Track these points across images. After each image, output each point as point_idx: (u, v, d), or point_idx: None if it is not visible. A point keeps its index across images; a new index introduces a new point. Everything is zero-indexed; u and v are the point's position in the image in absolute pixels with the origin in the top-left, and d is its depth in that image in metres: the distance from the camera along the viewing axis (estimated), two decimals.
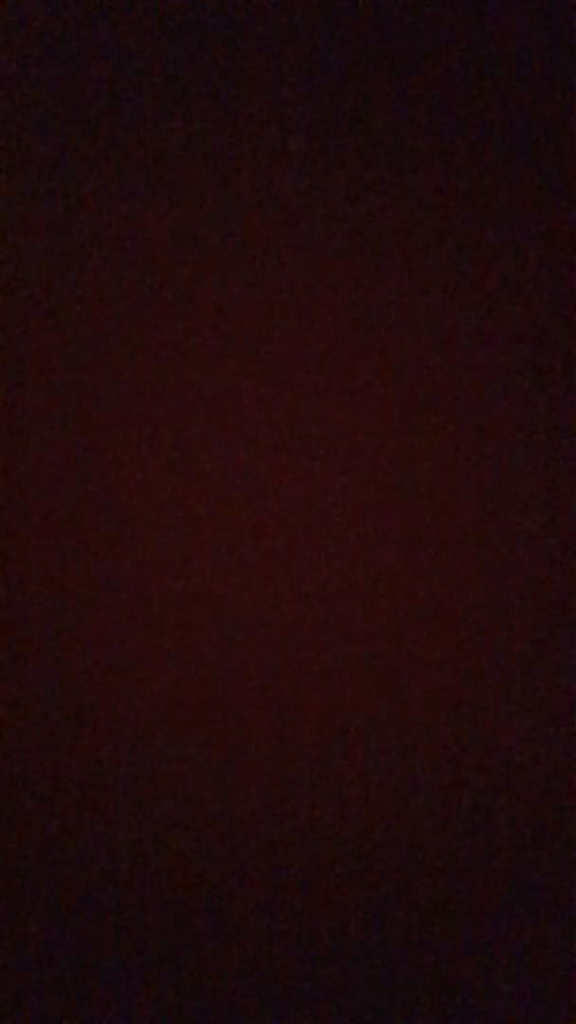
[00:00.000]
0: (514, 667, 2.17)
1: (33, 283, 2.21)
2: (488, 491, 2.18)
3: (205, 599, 2.18)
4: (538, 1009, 2.16)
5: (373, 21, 2.20)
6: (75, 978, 2.18)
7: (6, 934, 2.18)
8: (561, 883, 2.16)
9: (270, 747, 2.17)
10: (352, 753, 2.17)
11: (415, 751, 2.17)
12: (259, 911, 2.17)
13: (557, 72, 2.20)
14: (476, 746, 2.17)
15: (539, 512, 2.18)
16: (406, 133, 2.20)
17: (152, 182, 2.21)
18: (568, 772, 2.17)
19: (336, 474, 2.19)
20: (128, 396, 2.20)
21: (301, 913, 2.17)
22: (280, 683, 2.17)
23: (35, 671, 2.19)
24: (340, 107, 2.20)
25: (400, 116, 2.20)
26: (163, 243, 2.21)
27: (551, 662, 2.17)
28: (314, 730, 2.17)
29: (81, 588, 2.19)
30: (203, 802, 2.17)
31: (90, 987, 2.18)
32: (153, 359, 2.20)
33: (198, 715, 2.18)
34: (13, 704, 2.18)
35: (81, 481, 2.20)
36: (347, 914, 2.17)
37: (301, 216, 2.20)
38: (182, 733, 2.18)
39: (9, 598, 2.19)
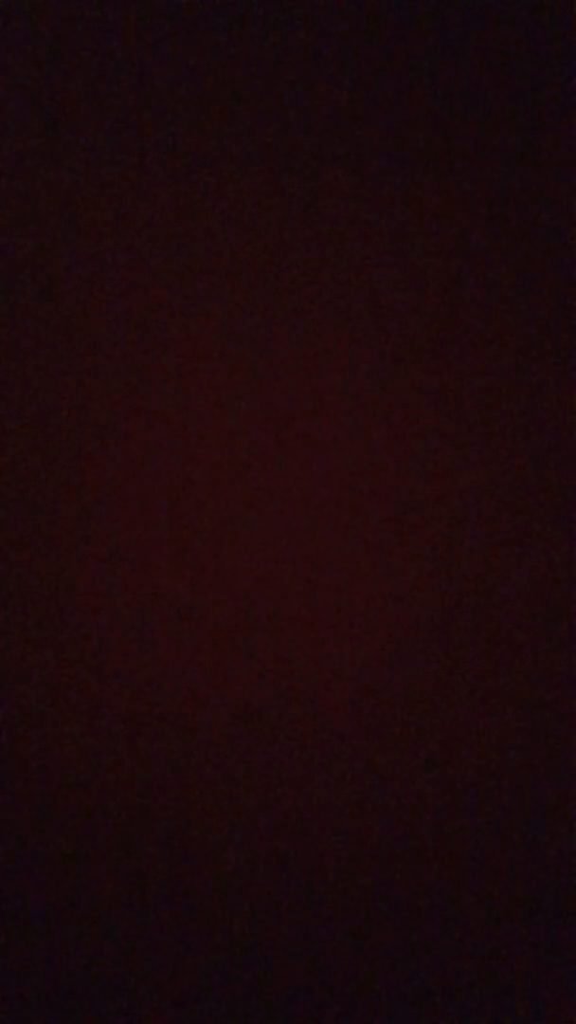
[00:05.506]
0: (514, 665, 2.17)
1: (33, 280, 2.21)
2: (488, 483, 2.19)
3: (204, 595, 2.19)
4: (538, 1009, 2.16)
5: (373, 20, 2.20)
6: (74, 976, 2.18)
7: (6, 933, 2.18)
8: (561, 886, 2.16)
9: (269, 744, 2.17)
10: (351, 749, 2.17)
11: (414, 749, 2.17)
12: (258, 911, 2.17)
13: (557, 73, 2.20)
14: (475, 746, 2.17)
15: (538, 506, 2.19)
16: (405, 130, 2.20)
17: (152, 178, 2.21)
18: (568, 767, 2.17)
19: (335, 468, 2.19)
20: (128, 392, 2.21)
21: (300, 911, 2.17)
22: (280, 677, 2.17)
23: (34, 674, 2.19)
24: (340, 107, 2.20)
25: (399, 113, 2.20)
26: (162, 241, 2.21)
27: (551, 651, 2.17)
28: (313, 728, 2.18)
29: (80, 586, 2.19)
30: (203, 799, 2.17)
31: (89, 985, 2.18)
32: (152, 356, 2.21)
33: (198, 712, 2.18)
34: (12, 703, 2.18)
35: (80, 476, 2.20)
36: (345, 913, 2.17)
37: (300, 210, 2.20)
38: (182, 730, 2.18)
39: (9, 598, 2.19)
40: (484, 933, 2.16)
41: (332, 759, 2.17)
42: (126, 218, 2.21)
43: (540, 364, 2.19)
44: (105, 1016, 2.18)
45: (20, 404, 2.21)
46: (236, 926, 2.17)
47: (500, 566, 2.18)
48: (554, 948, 2.16)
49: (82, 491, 2.20)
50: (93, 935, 2.18)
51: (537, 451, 2.19)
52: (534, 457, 2.19)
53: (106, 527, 2.19)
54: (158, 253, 2.21)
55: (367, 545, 2.18)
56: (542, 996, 2.16)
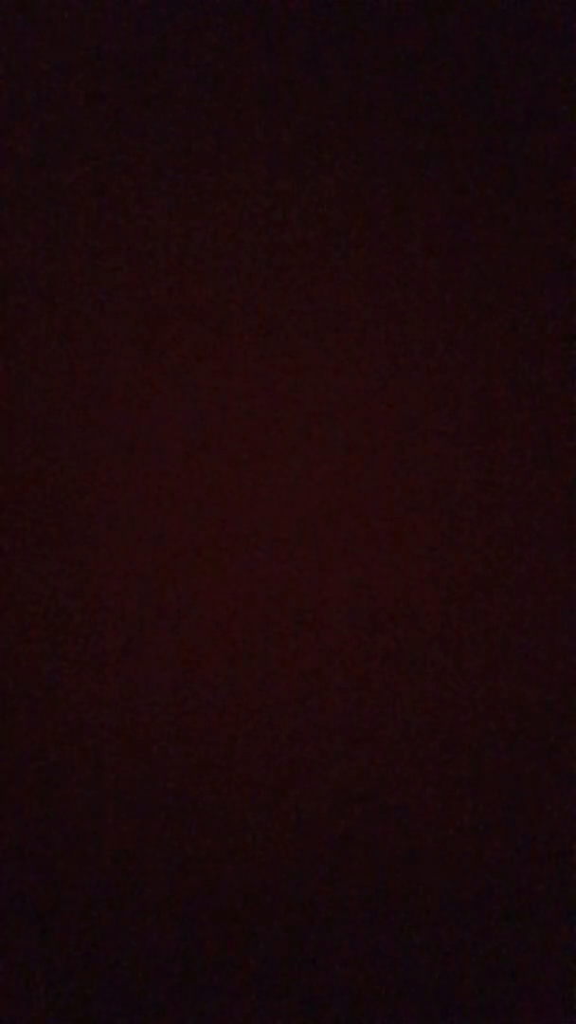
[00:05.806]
0: (514, 665, 2.17)
1: (33, 280, 2.22)
2: (488, 483, 2.19)
3: (204, 594, 2.19)
4: (538, 1009, 2.16)
5: (373, 20, 2.20)
6: (74, 976, 2.18)
7: (6, 934, 2.18)
8: (561, 886, 2.16)
9: (268, 743, 2.18)
10: (351, 749, 2.17)
11: (414, 749, 2.17)
12: (256, 910, 2.17)
13: (557, 73, 2.21)
14: (475, 745, 2.17)
15: (538, 506, 2.19)
16: (405, 130, 2.21)
17: (152, 178, 2.22)
18: (568, 767, 2.17)
19: (335, 467, 2.19)
20: (128, 392, 2.21)
21: (298, 911, 2.17)
22: (279, 676, 2.18)
23: (34, 674, 2.19)
24: (340, 106, 2.20)
25: (399, 112, 2.20)
26: (162, 239, 2.21)
27: (551, 650, 2.18)
28: (312, 728, 2.18)
29: (80, 586, 2.19)
30: (203, 799, 2.18)
31: (88, 986, 2.18)
32: (152, 356, 2.21)
33: (198, 711, 2.18)
34: (13, 705, 2.18)
35: (80, 476, 2.20)
36: (344, 913, 2.17)
37: (300, 209, 2.21)
38: (181, 730, 2.18)
39: (10, 598, 2.19)
40: (484, 933, 2.16)
41: (331, 759, 2.17)
42: (126, 218, 2.21)
43: (540, 364, 2.19)
44: (105, 1016, 2.18)
45: (20, 404, 2.21)
46: (235, 926, 2.17)
47: (500, 565, 2.18)
48: (554, 948, 2.16)
49: (82, 492, 2.20)
50: (91, 936, 2.18)
51: (537, 451, 2.19)
52: (534, 457, 2.19)
53: (106, 527, 2.19)
54: (158, 253, 2.21)
55: (366, 544, 2.18)
56: (542, 996, 2.16)
